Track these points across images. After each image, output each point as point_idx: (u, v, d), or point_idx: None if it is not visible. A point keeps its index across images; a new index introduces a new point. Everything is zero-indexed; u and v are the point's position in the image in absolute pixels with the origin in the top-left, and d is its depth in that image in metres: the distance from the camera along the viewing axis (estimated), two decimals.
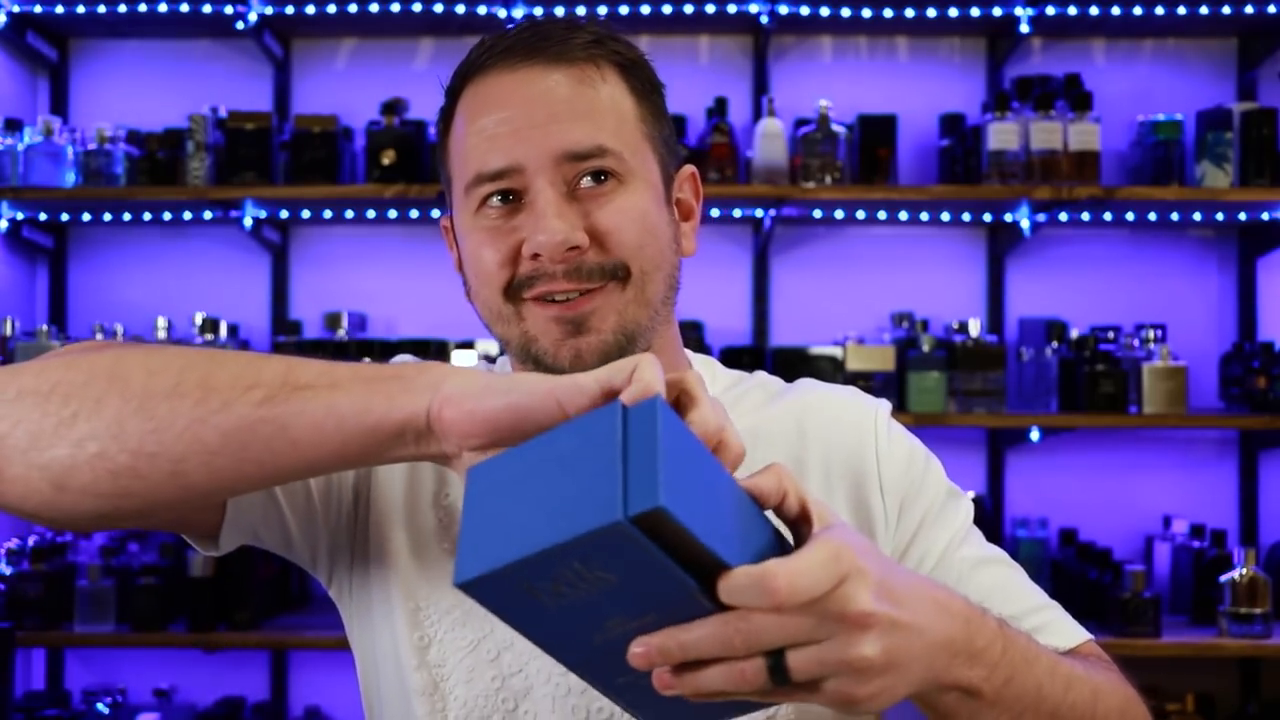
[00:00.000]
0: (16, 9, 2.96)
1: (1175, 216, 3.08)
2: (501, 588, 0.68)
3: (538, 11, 2.97)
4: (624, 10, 2.97)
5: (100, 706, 2.85)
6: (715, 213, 3.04)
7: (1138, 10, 2.97)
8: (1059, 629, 1.04)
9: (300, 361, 0.87)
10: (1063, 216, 3.01)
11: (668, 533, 0.66)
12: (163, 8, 2.97)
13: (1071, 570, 2.93)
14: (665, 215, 1.06)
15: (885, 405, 1.13)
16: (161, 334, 2.89)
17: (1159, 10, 2.97)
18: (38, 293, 3.20)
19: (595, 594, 0.68)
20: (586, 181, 1.01)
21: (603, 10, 2.97)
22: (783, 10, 2.99)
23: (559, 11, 2.96)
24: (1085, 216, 3.05)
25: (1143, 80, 3.18)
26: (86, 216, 3.10)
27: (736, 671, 0.70)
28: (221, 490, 0.90)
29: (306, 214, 3.09)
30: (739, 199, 2.93)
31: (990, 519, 3.02)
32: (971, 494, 3.02)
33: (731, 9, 2.99)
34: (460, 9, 2.96)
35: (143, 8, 2.97)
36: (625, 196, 1.02)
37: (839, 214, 3.10)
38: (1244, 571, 2.71)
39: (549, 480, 0.68)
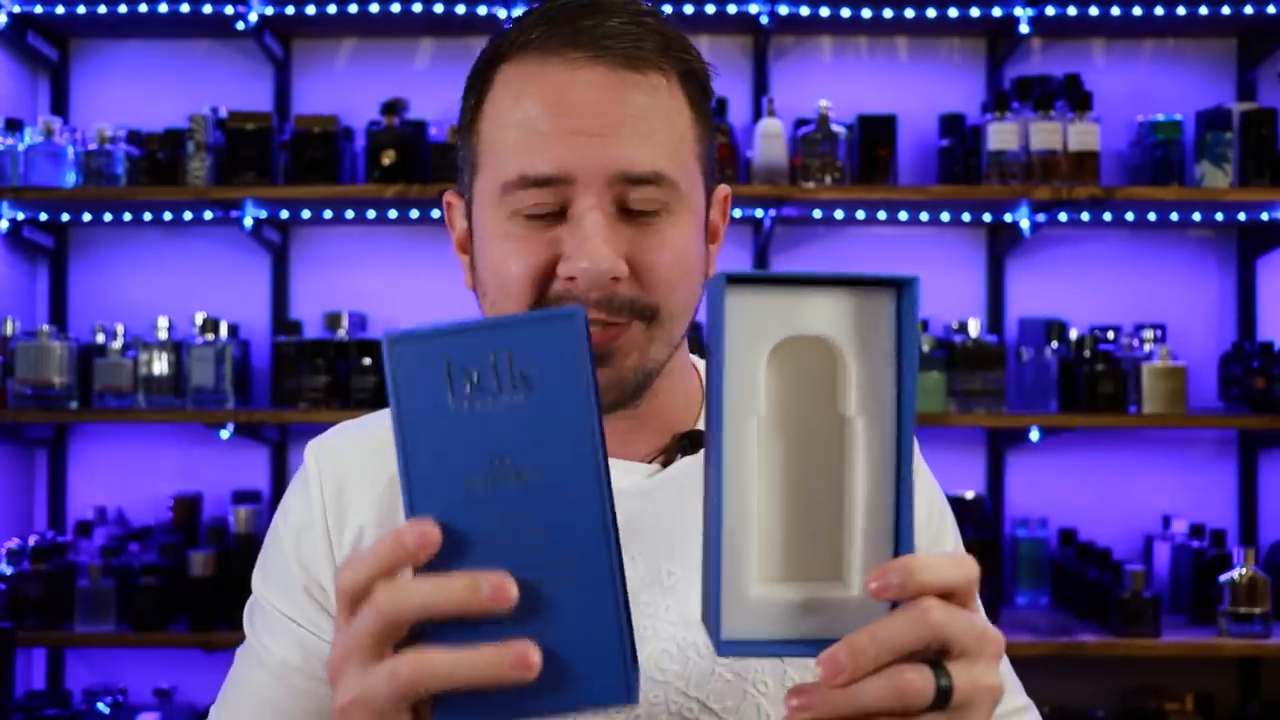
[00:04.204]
0: (16, 9, 2.97)
1: (1175, 216, 3.08)
2: (421, 355, 0.67)
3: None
4: None
5: (101, 706, 2.85)
6: None
7: (1138, 10, 2.97)
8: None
9: None
10: (1062, 216, 3.01)
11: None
12: (163, 8, 2.97)
13: (1071, 570, 2.93)
14: (701, 247, 0.98)
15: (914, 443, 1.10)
16: (162, 334, 2.90)
17: (1159, 10, 2.97)
18: (38, 293, 3.20)
19: (499, 408, 0.67)
20: (635, 204, 0.92)
21: None
22: (783, 10, 2.99)
23: None
24: (1085, 216, 3.05)
25: (1142, 80, 3.19)
26: (87, 216, 3.10)
27: (905, 683, 0.63)
28: None
29: (306, 214, 3.09)
30: (739, 199, 2.93)
31: (990, 519, 3.02)
32: (971, 493, 3.03)
33: (731, 9, 2.99)
34: (460, 9, 2.96)
35: (143, 8, 2.97)
36: (671, 229, 0.94)
37: (839, 214, 3.10)
38: (1243, 571, 2.72)
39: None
